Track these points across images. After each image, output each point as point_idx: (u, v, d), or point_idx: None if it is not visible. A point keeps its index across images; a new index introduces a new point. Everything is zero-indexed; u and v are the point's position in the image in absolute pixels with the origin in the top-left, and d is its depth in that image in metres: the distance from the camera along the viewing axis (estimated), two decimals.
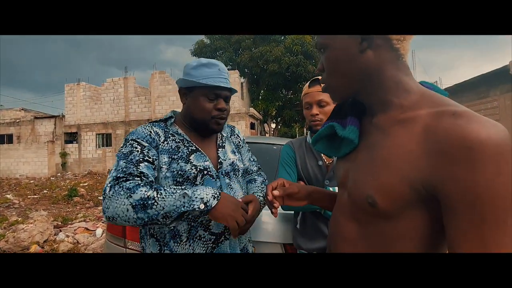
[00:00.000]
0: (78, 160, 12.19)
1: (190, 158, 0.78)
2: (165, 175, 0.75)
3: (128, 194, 0.63)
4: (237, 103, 10.56)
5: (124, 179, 0.66)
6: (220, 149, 0.87)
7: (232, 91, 0.87)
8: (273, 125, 14.52)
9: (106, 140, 12.22)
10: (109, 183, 0.66)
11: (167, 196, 0.64)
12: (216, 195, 0.67)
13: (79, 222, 3.99)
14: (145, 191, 0.63)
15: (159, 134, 0.79)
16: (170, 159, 0.76)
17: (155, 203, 0.63)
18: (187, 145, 0.81)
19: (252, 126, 11.72)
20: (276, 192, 0.62)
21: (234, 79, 10.62)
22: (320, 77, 0.52)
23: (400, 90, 0.44)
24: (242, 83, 11.61)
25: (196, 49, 12.65)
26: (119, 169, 0.68)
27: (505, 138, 0.33)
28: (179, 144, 0.80)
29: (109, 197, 0.63)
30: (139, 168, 0.69)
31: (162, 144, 0.78)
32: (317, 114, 0.98)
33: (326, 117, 0.96)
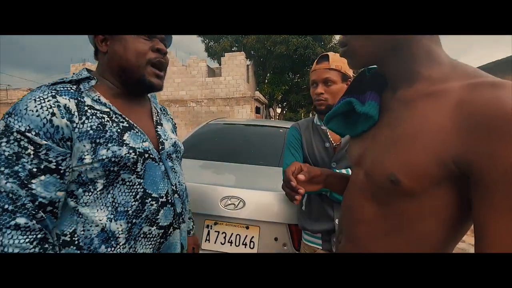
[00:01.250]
0: None
1: (124, 138, 0.57)
2: (92, 166, 0.53)
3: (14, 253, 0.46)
4: (242, 86, 10.40)
5: (9, 219, 0.45)
6: (159, 127, 0.69)
7: (167, 37, 0.69)
8: (279, 110, 14.37)
9: None
10: None
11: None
12: None
13: None
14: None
15: (70, 111, 0.52)
16: (93, 144, 0.53)
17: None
18: (116, 120, 0.58)
19: (258, 111, 11.62)
20: (302, 177, 0.56)
21: (240, 61, 10.40)
22: (339, 46, 0.46)
23: (431, 61, 0.40)
24: (248, 66, 11.37)
25: None
26: (2, 194, 0.46)
27: None
28: (103, 120, 0.56)
29: None
30: (31, 190, 0.48)
31: (78, 126, 0.52)
32: (321, 93, 0.92)
33: (332, 96, 0.91)
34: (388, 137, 0.42)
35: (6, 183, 0.46)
